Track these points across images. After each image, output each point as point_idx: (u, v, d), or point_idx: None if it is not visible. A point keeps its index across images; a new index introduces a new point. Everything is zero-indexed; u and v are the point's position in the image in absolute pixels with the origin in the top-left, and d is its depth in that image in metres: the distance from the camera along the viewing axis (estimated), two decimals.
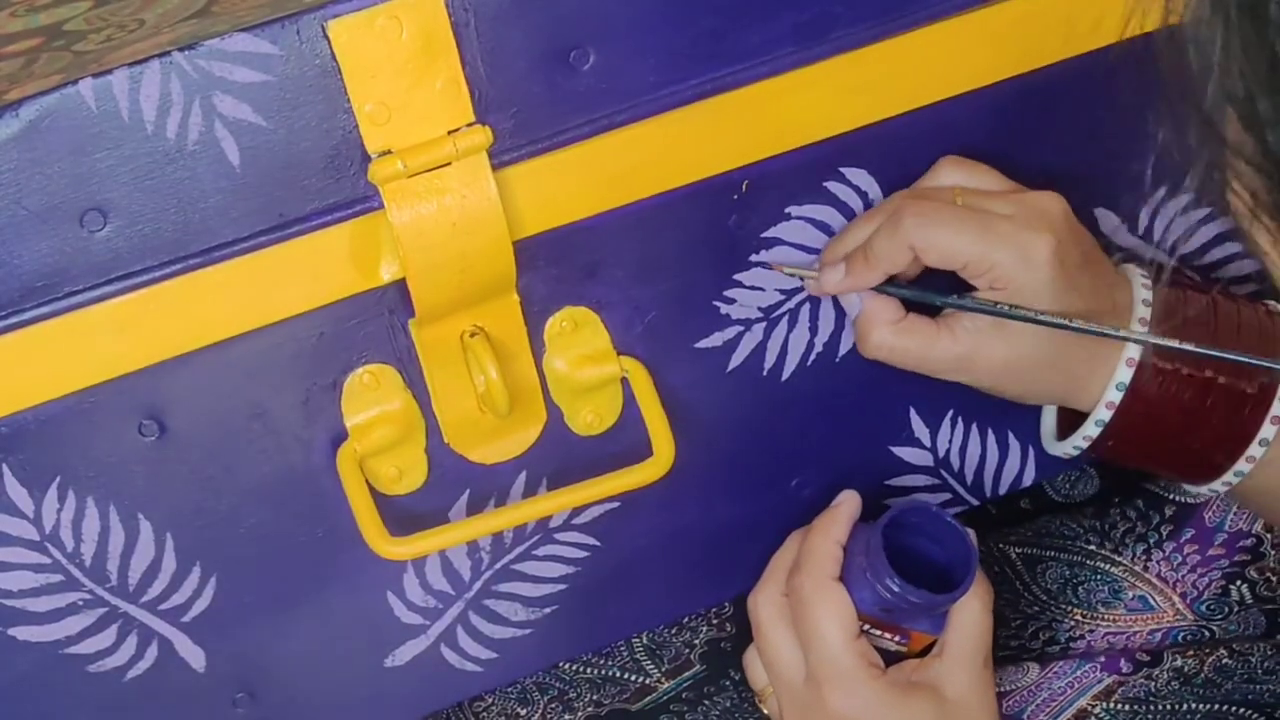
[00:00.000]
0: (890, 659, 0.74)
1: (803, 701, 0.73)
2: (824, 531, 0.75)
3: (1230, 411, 0.73)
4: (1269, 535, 0.85)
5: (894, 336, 0.73)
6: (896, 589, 0.71)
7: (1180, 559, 0.85)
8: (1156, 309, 0.73)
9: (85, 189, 0.64)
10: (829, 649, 0.72)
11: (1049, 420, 0.81)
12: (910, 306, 0.74)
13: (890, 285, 0.74)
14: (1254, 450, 0.74)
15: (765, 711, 0.79)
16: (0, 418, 0.68)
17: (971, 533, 0.74)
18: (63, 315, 0.66)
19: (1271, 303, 0.76)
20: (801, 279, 0.77)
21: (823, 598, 0.73)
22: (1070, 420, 0.78)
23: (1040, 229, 0.71)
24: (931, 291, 0.73)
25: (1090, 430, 0.75)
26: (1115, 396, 0.73)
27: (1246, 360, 0.72)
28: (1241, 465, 0.75)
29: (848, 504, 0.76)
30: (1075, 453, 0.77)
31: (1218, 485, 0.76)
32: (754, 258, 0.76)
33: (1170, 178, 0.56)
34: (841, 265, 0.74)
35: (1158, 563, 0.85)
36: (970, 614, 0.73)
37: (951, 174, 0.75)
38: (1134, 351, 0.73)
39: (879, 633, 0.74)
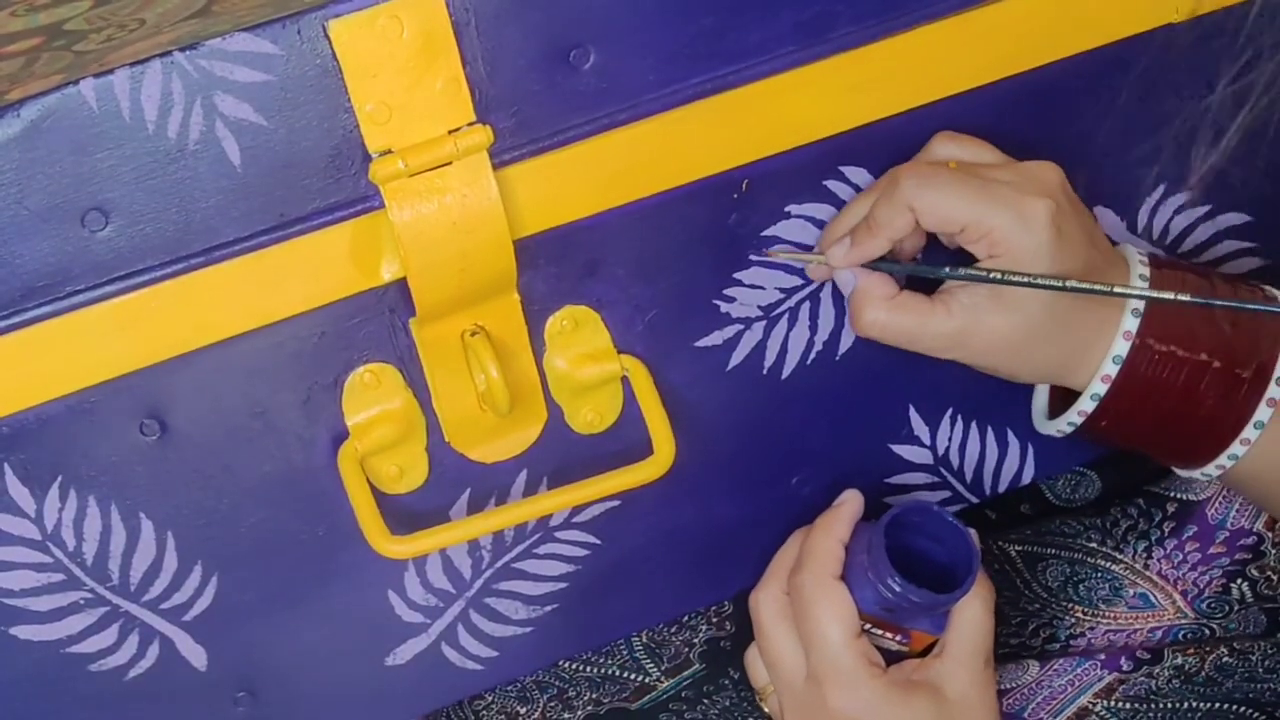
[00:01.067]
0: (892, 658, 0.74)
1: (803, 700, 0.73)
2: (826, 530, 0.75)
3: (1225, 393, 0.73)
4: (1270, 534, 0.85)
5: (887, 313, 0.72)
6: (898, 589, 0.71)
7: (1181, 557, 0.85)
8: (1154, 286, 0.73)
9: (87, 189, 0.64)
10: (830, 648, 0.72)
11: (1040, 400, 0.80)
12: (908, 285, 0.74)
13: (884, 262, 0.73)
14: (1249, 433, 0.74)
15: (766, 710, 0.79)
16: (1, 417, 0.68)
17: (973, 532, 0.74)
18: (64, 315, 0.66)
19: (1269, 288, 0.76)
20: (801, 264, 0.77)
21: (824, 596, 0.73)
22: (1064, 403, 0.77)
23: (1038, 194, 0.71)
24: (925, 265, 0.73)
25: (1085, 405, 0.74)
26: (1111, 370, 0.73)
27: (1243, 306, 0.71)
28: (1235, 449, 0.74)
29: (850, 503, 0.76)
30: (1069, 429, 0.76)
31: (1211, 469, 0.76)
32: (754, 256, 0.76)
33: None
34: (846, 239, 0.73)
35: (1159, 560, 0.85)
36: (972, 613, 0.73)
37: (946, 147, 0.74)
38: (1130, 325, 0.72)
39: (880, 632, 0.74)
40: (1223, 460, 0.75)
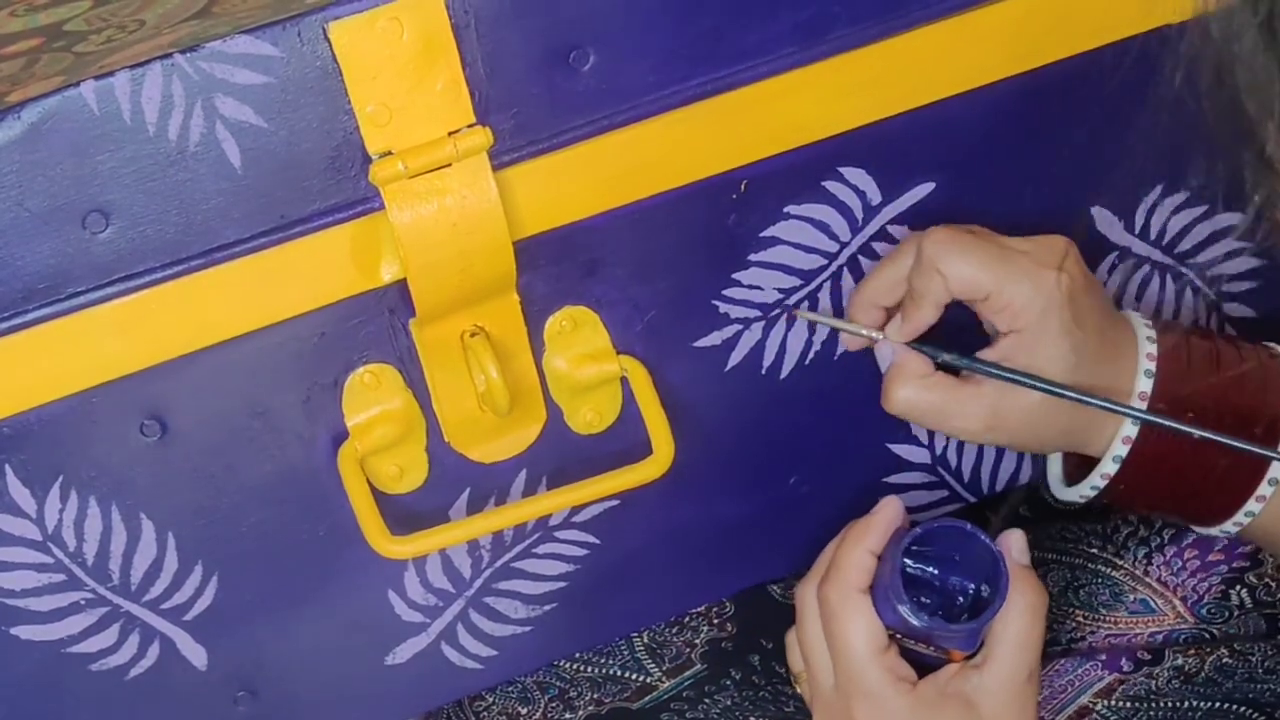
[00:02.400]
0: (931, 663, 0.71)
1: (832, 708, 0.72)
2: (856, 540, 0.72)
3: (1238, 454, 0.73)
4: None
5: (919, 392, 0.74)
6: (914, 621, 0.69)
7: (1180, 564, 0.85)
8: (1161, 353, 0.74)
9: (87, 191, 0.64)
10: (854, 663, 0.70)
11: (1055, 468, 0.80)
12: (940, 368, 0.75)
13: (926, 345, 0.74)
14: (1263, 490, 0.74)
15: (798, 690, 0.77)
16: (3, 418, 0.68)
17: (1016, 541, 0.71)
18: (65, 316, 0.66)
19: (1273, 345, 0.76)
20: (837, 329, 0.78)
21: (847, 612, 0.70)
22: (1078, 468, 0.78)
23: (1055, 266, 0.72)
24: (961, 354, 0.73)
25: (1108, 468, 0.74)
26: (1131, 431, 0.73)
27: (1245, 448, 0.71)
28: (1251, 505, 0.74)
29: (885, 511, 0.73)
30: (1092, 493, 0.76)
31: (1229, 526, 0.76)
32: (753, 257, 0.76)
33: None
34: (898, 316, 0.74)
35: (1159, 566, 0.86)
36: (1016, 625, 0.70)
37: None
38: (1145, 386, 0.73)
39: (913, 643, 0.71)
40: (1239, 518, 0.75)
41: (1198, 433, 0.71)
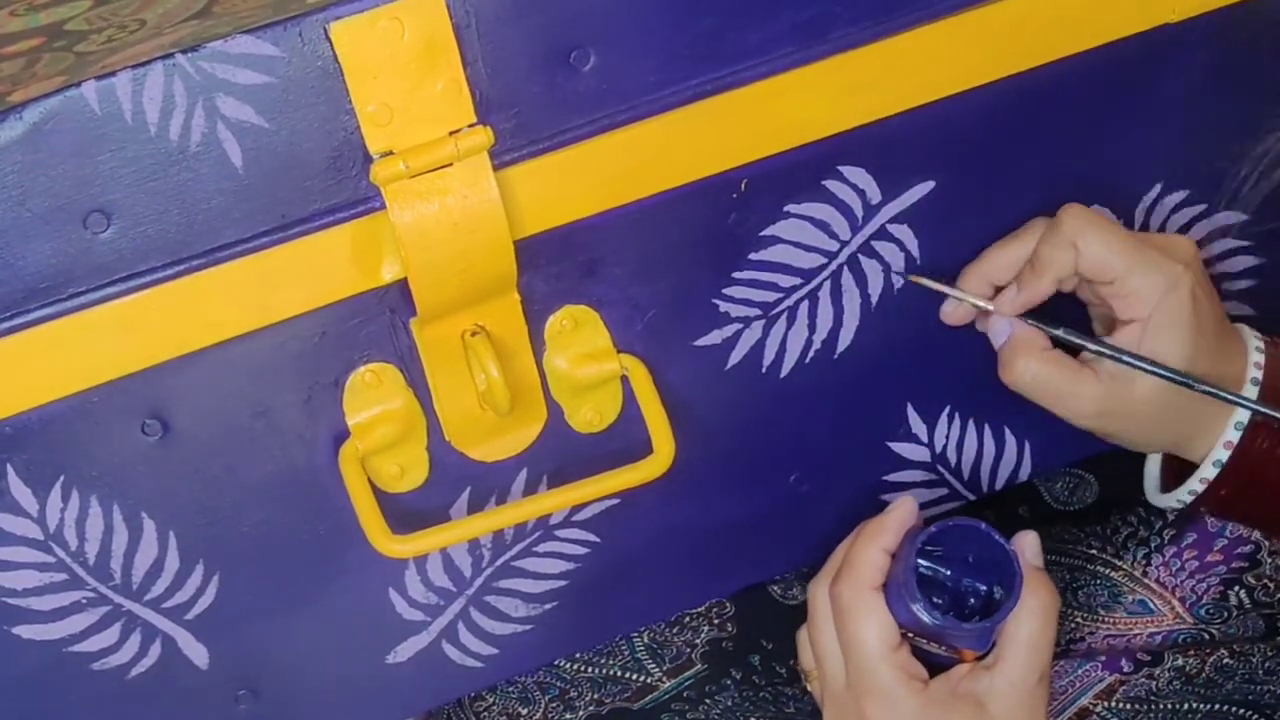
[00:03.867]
0: (943, 662, 0.71)
1: (843, 706, 0.72)
2: (870, 538, 0.72)
3: None
4: (1267, 543, 0.85)
5: (1041, 364, 0.74)
6: (926, 619, 0.69)
7: (1179, 564, 0.85)
8: (1267, 365, 0.74)
9: (89, 191, 0.64)
10: (867, 661, 0.70)
11: (1154, 468, 0.80)
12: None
13: (1041, 322, 0.75)
14: None
15: (809, 688, 0.77)
16: (4, 418, 0.68)
17: (1029, 542, 0.71)
18: (66, 316, 0.66)
19: None
20: (948, 295, 0.77)
21: (860, 610, 0.71)
22: (1174, 473, 0.78)
23: (1184, 262, 0.73)
24: (1083, 334, 0.74)
25: (1207, 472, 0.75)
26: (1234, 436, 0.74)
27: None
28: None
29: (900, 510, 0.72)
30: (1189, 498, 0.76)
31: None
32: (753, 256, 0.76)
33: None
34: (1012, 286, 0.75)
35: (1157, 567, 0.86)
36: (1028, 627, 0.70)
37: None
38: (1251, 393, 0.74)
39: (924, 642, 0.71)
40: None
41: None
